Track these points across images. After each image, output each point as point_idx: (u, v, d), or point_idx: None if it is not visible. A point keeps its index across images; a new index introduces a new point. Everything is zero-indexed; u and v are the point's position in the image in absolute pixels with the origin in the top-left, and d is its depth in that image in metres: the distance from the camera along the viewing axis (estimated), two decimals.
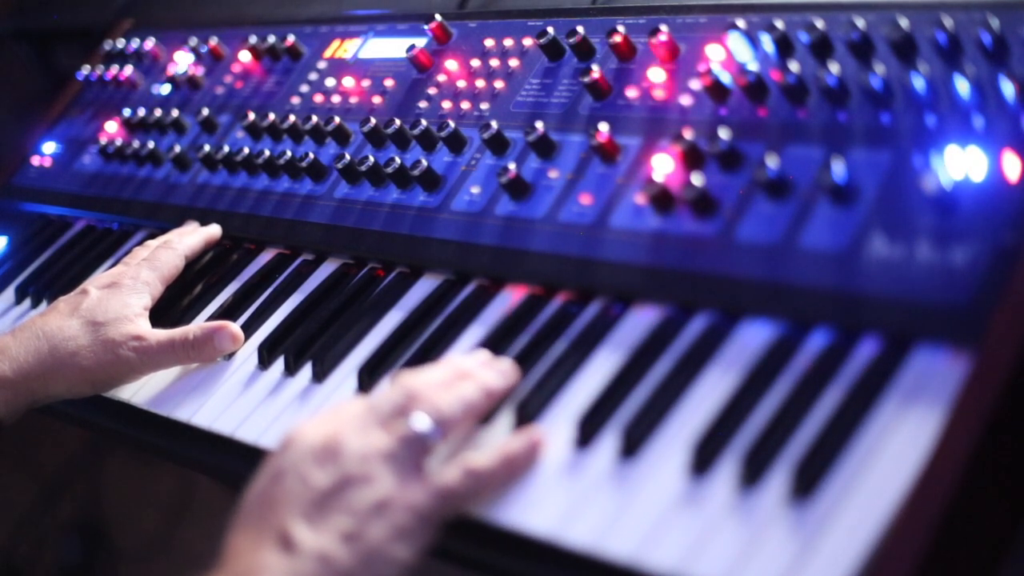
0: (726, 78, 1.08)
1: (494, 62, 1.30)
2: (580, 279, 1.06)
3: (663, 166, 1.07)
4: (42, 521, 2.60)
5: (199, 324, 1.22)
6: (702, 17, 1.16)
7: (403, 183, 1.25)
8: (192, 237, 1.35)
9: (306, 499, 0.86)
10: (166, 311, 1.30)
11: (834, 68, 1.00)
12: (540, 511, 0.90)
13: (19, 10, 2.16)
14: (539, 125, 1.16)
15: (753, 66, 1.08)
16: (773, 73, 1.05)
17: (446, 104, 1.30)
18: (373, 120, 1.30)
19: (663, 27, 1.15)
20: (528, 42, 1.29)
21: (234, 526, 0.88)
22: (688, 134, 1.05)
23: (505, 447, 0.92)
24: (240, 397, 1.15)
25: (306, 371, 1.14)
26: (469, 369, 0.97)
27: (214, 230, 1.37)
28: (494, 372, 0.98)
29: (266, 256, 1.35)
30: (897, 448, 0.81)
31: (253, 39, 1.56)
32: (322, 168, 1.35)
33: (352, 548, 0.85)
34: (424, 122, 1.26)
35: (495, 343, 1.05)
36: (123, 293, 1.23)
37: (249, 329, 1.23)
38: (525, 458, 0.92)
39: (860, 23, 1.01)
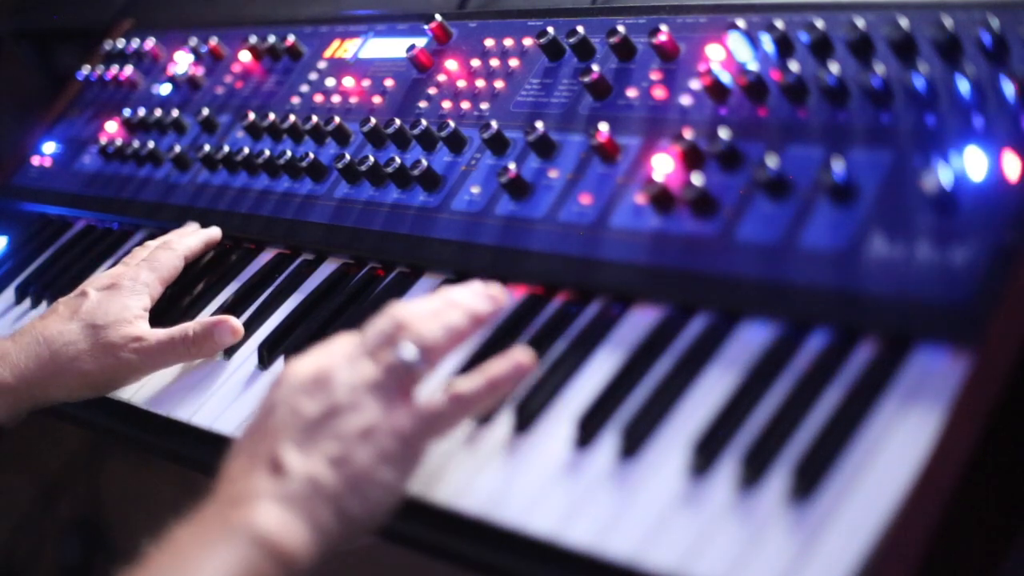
0: (726, 78, 1.08)
1: (494, 62, 1.30)
2: (580, 279, 1.06)
3: (663, 166, 1.07)
4: (42, 521, 2.60)
5: (198, 320, 1.22)
6: (702, 17, 1.16)
7: (403, 183, 1.25)
8: (192, 238, 1.35)
9: (296, 427, 0.89)
10: (167, 311, 1.30)
11: (834, 68, 1.00)
12: (540, 511, 0.90)
13: (19, 10, 2.16)
14: (539, 125, 1.16)
15: (753, 66, 1.08)
16: (773, 73, 1.05)
17: (446, 104, 1.30)
18: (373, 120, 1.30)
19: (663, 27, 1.15)
20: (528, 42, 1.29)
21: (229, 458, 0.91)
22: (688, 134, 1.05)
23: (489, 370, 0.93)
24: (240, 397, 1.15)
25: None
26: (459, 299, 0.98)
27: (214, 232, 1.38)
28: (480, 297, 0.99)
29: (266, 256, 1.35)
30: (897, 448, 0.81)
31: (253, 39, 1.56)
32: (322, 168, 1.35)
33: (340, 472, 0.87)
34: (424, 122, 1.26)
35: (495, 343, 1.05)
36: (122, 295, 1.24)
37: (249, 329, 1.23)
38: (509, 381, 0.93)
39: (860, 23, 1.01)
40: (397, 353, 0.92)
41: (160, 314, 1.29)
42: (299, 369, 0.93)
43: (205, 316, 1.29)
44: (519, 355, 0.94)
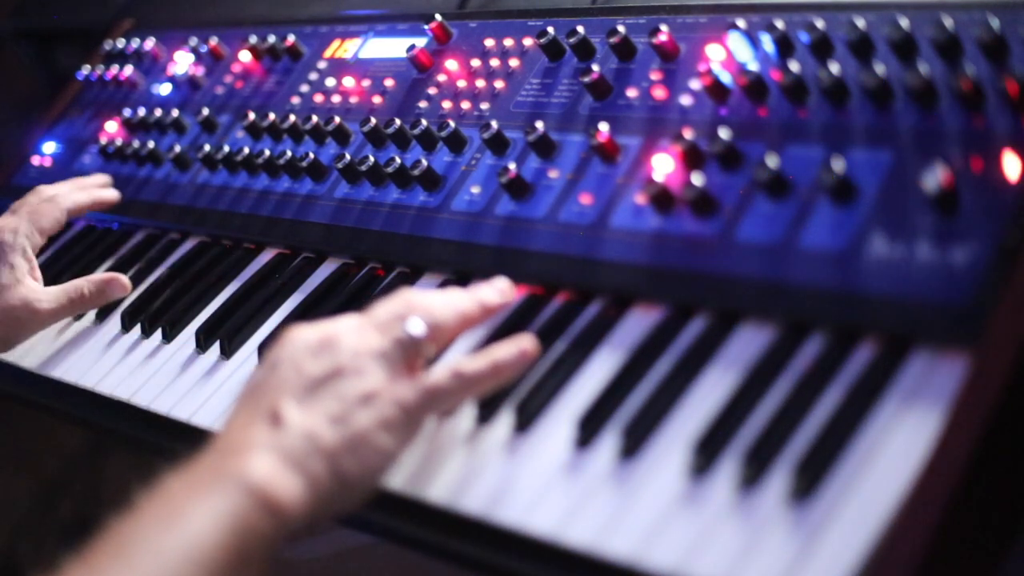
0: (726, 78, 1.08)
1: (494, 62, 1.30)
2: (580, 279, 1.06)
3: (663, 166, 1.07)
4: (42, 521, 2.60)
5: (89, 278, 1.32)
6: (702, 17, 1.16)
7: (403, 183, 1.25)
8: (80, 194, 1.43)
9: (298, 384, 0.90)
10: (167, 311, 1.31)
11: (834, 68, 1.00)
12: (540, 511, 0.90)
13: (19, 10, 2.16)
14: (539, 125, 1.16)
15: (753, 66, 1.08)
16: (773, 73, 1.05)
17: (446, 104, 1.30)
18: (373, 120, 1.30)
19: (663, 27, 1.15)
20: (528, 42, 1.29)
21: (231, 414, 0.92)
22: (688, 134, 1.05)
23: (495, 353, 0.94)
24: None
25: None
26: (468, 289, 1.03)
27: (109, 194, 1.46)
28: (490, 288, 1.02)
29: (266, 256, 1.35)
30: (897, 448, 0.81)
31: (253, 39, 1.56)
32: (322, 168, 1.35)
33: (338, 429, 0.88)
34: (424, 122, 1.26)
35: (496, 342, 1.05)
36: (7, 255, 1.32)
37: (249, 329, 1.23)
38: (512, 366, 0.95)
39: (860, 23, 1.01)
40: (404, 327, 0.94)
41: (161, 314, 1.30)
42: (306, 331, 0.94)
43: (205, 316, 1.29)
44: (524, 342, 0.95)
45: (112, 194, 1.47)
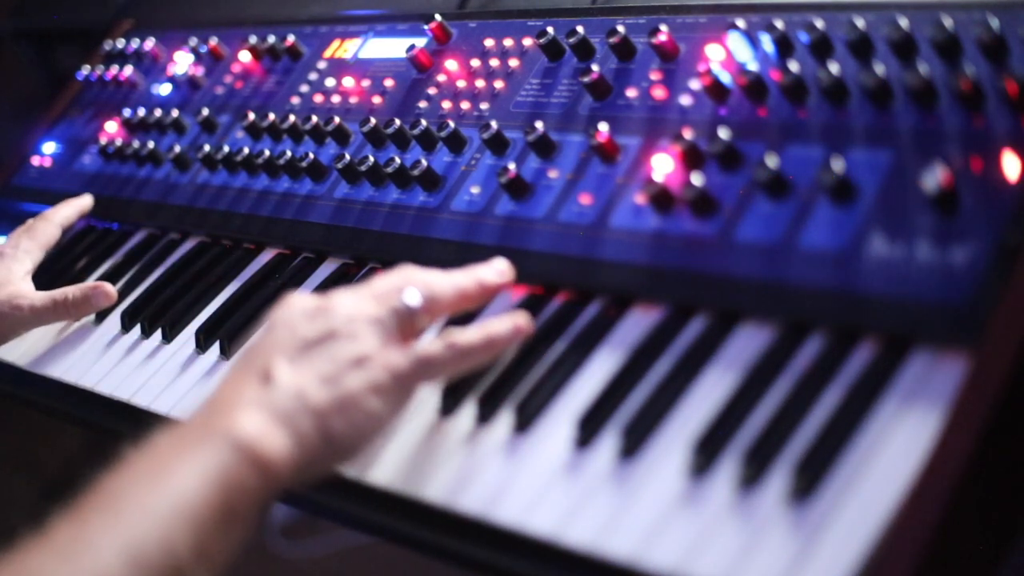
0: (726, 78, 1.08)
1: (494, 62, 1.30)
2: (580, 279, 1.06)
3: (663, 166, 1.07)
4: (41, 521, 2.60)
5: (77, 285, 1.35)
6: (702, 17, 1.16)
7: (403, 183, 1.25)
8: (66, 208, 1.51)
9: (291, 345, 0.91)
10: (167, 311, 1.31)
11: (834, 68, 1.00)
12: (540, 510, 0.90)
13: (19, 10, 2.16)
14: (539, 125, 1.16)
15: (753, 66, 1.08)
16: (773, 73, 1.05)
17: (446, 104, 1.30)
18: (373, 120, 1.30)
19: (663, 27, 1.15)
20: (528, 42, 1.29)
21: (226, 376, 0.93)
22: (688, 134, 1.05)
23: (489, 327, 0.95)
24: None
25: None
26: (466, 268, 1.04)
27: (85, 201, 1.54)
28: (489, 268, 1.04)
29: (266, 256, 1.35)
30: (897, 448, 0.81)
31: (253, 39, 1.56)
32: (322, 168, 1.35)
33: (328, 389, 0.89)
34: (424, 122, 1.26)
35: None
36: (6, 261, 1.39)
37: (249, 329, 1.23)
38: (505, 340, 0.96)
39: (860, 23, 1.01)
40: (401, 297, 0.95)
41: (161, 314, 1.30)
42: (303, 297, 0.96)
43: (204, 316, 1.29)
44: (519, 318, 0.96)
45: (87, 199, 1.55)
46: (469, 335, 0.94)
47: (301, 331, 0.92)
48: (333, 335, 0.91)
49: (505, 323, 0.96)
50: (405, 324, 0.94)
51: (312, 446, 0.87)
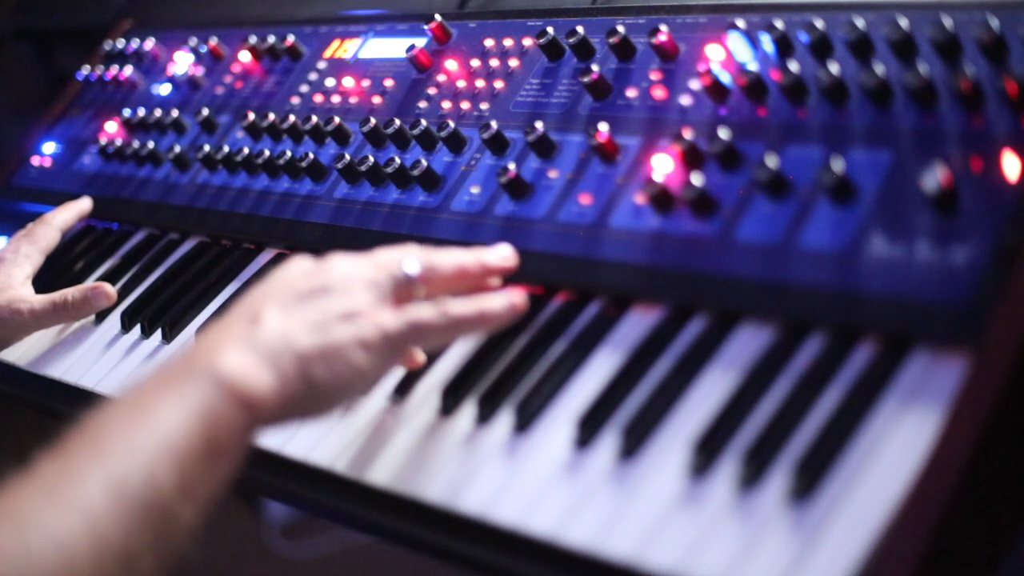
0: (726, 78, 1.08)
1: (494, 62, 1.30)
2: (580, 279, 1.06)
3: (663, 166, 1.07)
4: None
5: (77, 287, 1.35)
6: (702, 17, 1.16)
7: (403, 183, 1.25)
8: (65, 212, 1.51)
9: (284, 295, 0.93)
10: (167, 311, 1.31)
11: (834, 68, 1.00)
12: (540, 511, 0.90)
13: (19, 10, 2.16)
14: (539, 125, 1.16)
15: (753, 66, 1.08)
16: (773, 73, 1.05)
17: (446, 104, 1.30)
18: (373, 120, 1.30)
19: (663, 27, 1.15)
20: (528, 42, 1.29)
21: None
22: (688, 134, 1.05)
23: (484, 300, 0.96)
24: None
25: None
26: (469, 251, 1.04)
27: (84, 204, 1.54)
28: (491, 251, 1.05)
29: (266, 256, 1.35)
30: (897, 448, 0.81)
31: (253, 39, 1.56)
32: (322, 168, 1.35)
33: (314, 336, 0.90)
34: (424, 122, 1.26)
35: (496, 342, 1.05)
36: (6, 266, 1.40)
37: None
38: (500, 316, 0.96)
39: (860, 23, 1.01)
40: (400, 263, 0.96)
41: (161, 314, 1.30)
42: (302, 259, 0.97)
43: (204, 316, 1.29)
44: (514, 295, 0.97)
45: (86, 202, 1.54)
46: (463, 305, 0.95)
47: (295, 284, 0.93)
48: (327, 289, 0.93)
49: (500, 299, 0.97)
50: (401, 290, 0.95)
51: (293, 388, 0.88)
